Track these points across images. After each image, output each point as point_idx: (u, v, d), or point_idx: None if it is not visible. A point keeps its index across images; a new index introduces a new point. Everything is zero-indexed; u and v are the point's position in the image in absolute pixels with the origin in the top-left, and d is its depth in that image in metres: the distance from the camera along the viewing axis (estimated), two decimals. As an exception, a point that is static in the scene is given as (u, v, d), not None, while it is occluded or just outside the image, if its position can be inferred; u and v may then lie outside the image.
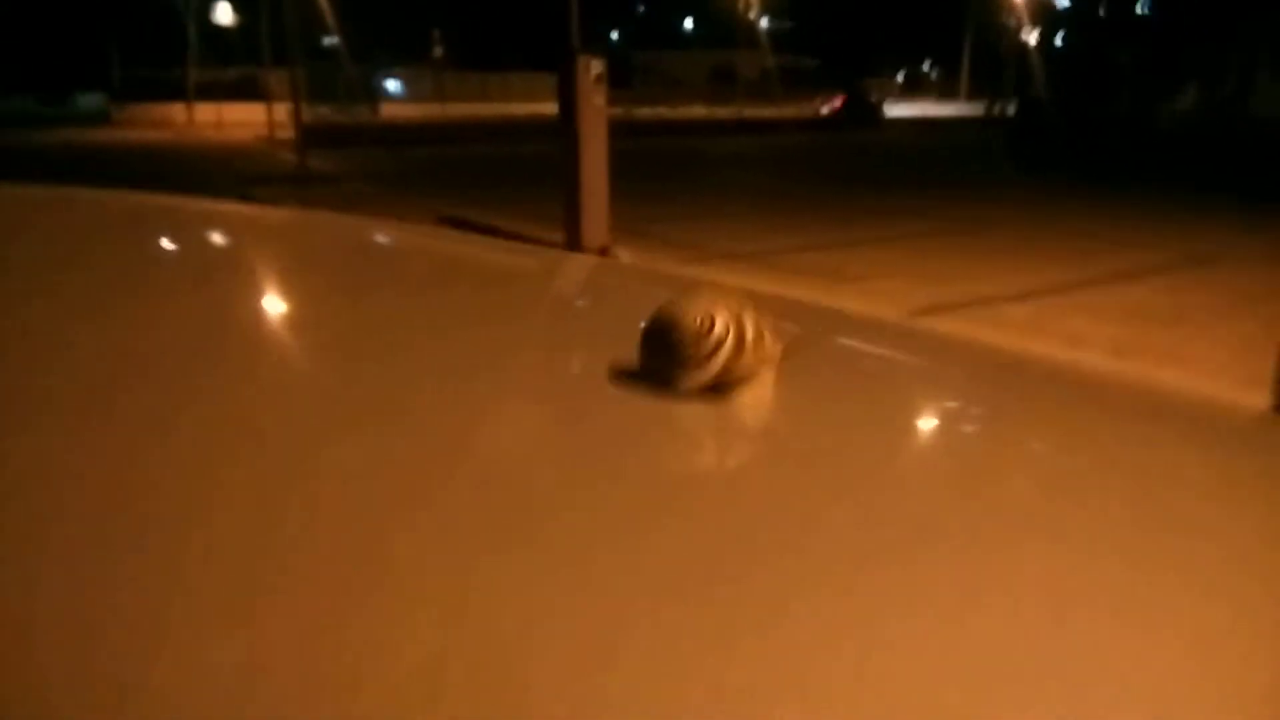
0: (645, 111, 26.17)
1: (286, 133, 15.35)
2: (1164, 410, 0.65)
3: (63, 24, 32.31)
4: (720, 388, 0.40)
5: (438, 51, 27.67)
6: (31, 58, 33.47)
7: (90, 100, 31.95)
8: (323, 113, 24.24)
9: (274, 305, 0.81)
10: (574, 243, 6.35)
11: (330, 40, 26.22)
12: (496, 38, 29.84)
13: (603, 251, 6.24)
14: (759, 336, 0.40)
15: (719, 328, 0.38)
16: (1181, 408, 0.67)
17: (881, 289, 5.65)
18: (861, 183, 12.41)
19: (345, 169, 13.13)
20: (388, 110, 27.57)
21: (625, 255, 6.34)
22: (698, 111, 29.46)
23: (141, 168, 14.46)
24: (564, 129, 6.29)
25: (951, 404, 0.61)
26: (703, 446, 0.40)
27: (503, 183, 11.32)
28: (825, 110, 31.96)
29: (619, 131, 7.08)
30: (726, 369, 0.39)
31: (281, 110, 17.00)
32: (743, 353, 0.39)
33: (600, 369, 0.45)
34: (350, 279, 0.94)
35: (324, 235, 1.23)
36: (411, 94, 30.62)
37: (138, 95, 28.55)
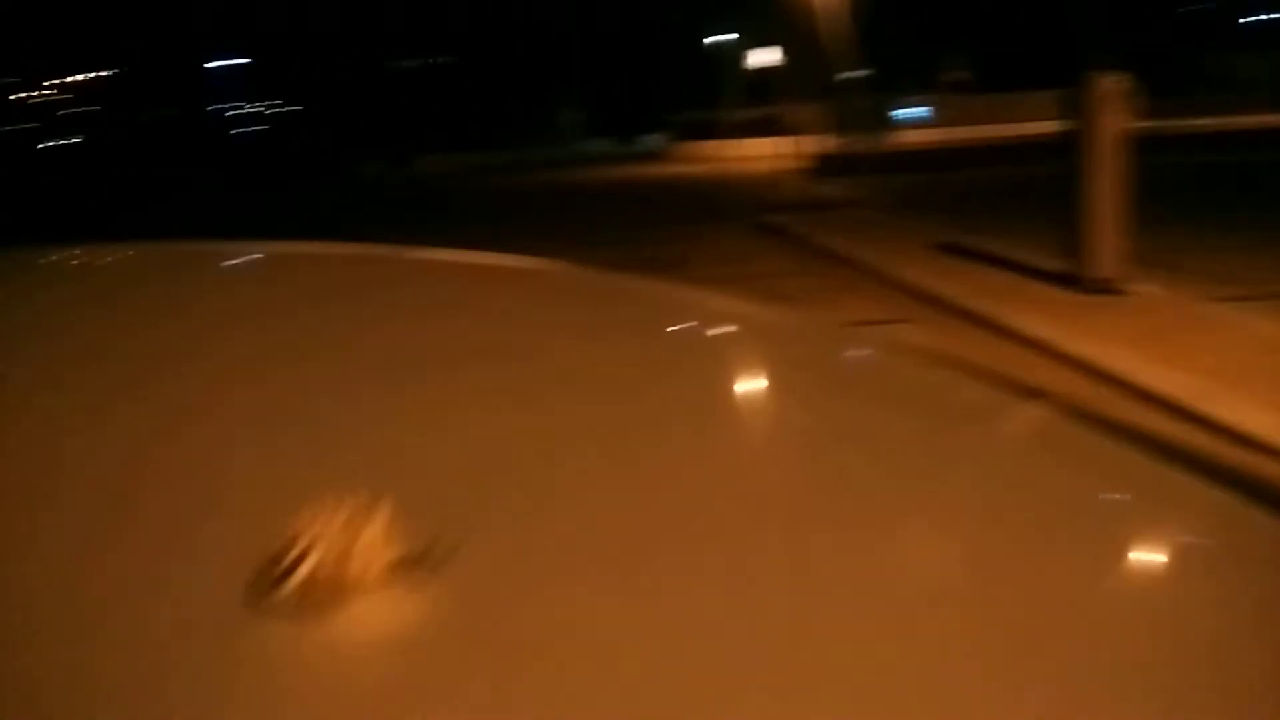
0: (1204, 121, 22.62)
1: (804, 164, 16.34)
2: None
3: (641, 78, 38.23)
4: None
5: (956, 76, 27.03)
6: (616, 106, 40.30)
7: (655, 140, 37.55)
8: (840, 143, 25.30)
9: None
10: (1077, 273, 5.87)
11: (853, 74, 27.25)
12: (1022, 58, 28.25)
13: (1107, 283, 5.67)
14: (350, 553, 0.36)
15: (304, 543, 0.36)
16: None
17: None
18: None
19: (854, 195, 13.59)
20: (903, 137, 27.74)
21: (1148, 288, 5.69)
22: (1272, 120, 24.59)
23: (669, 194, 16.59)
24: (1072, 150, 5.86)
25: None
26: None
27: (1010, 207, 10.77)
28: None
29: (1159, 146, 6.35)
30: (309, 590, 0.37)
31: (802, 143, 18.14)
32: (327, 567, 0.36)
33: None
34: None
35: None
36: (927, 120, 30.42)
37: (690, 135, 32.64)
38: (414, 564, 0.38)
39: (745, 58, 31.06)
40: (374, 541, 0.37)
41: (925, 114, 31.85)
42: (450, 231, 12.21)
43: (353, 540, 0.37)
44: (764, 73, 30.12)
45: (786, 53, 22.06)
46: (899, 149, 25.05)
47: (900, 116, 29.43)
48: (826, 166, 15.59)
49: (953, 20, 29.70)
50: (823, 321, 1.74)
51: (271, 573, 0.37)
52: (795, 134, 20.20)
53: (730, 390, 0.86)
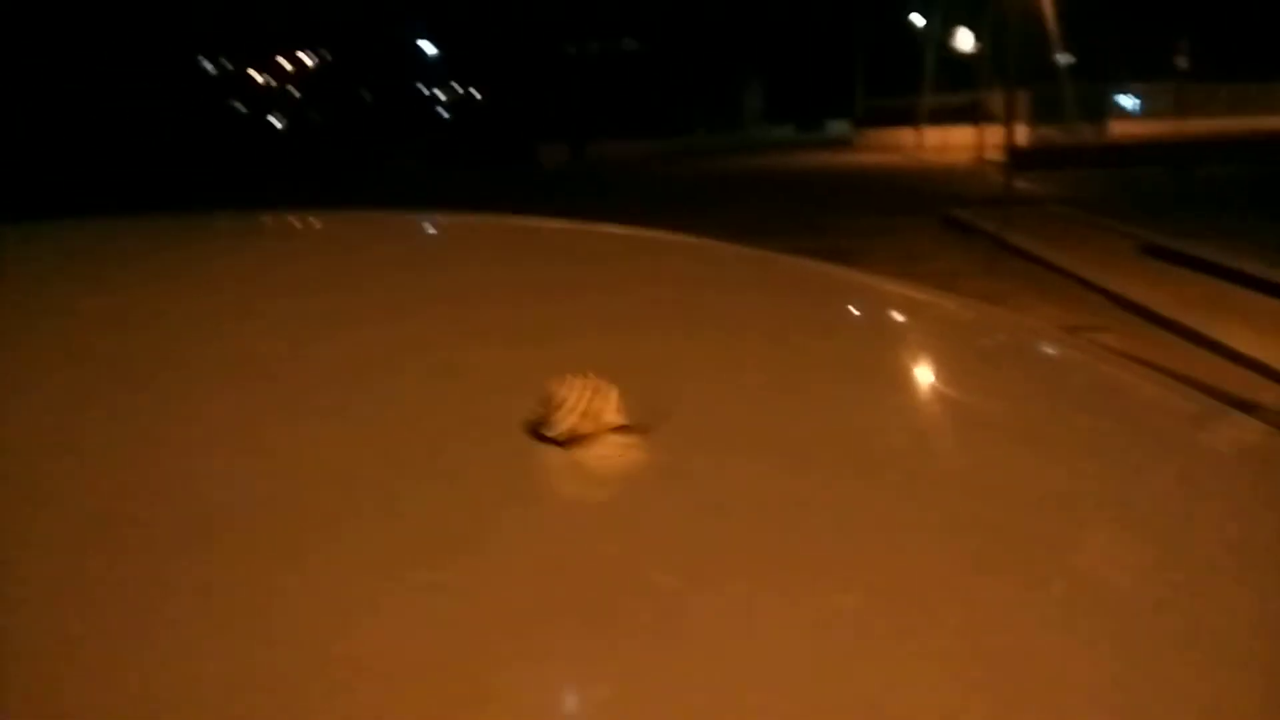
0: None
1: (1001, 155, 15.54)
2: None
3: (826, 61, 37.41)
4: (569, 443, 0.56)
5: (1181, 63, 24.82)
6: (800, 91, 39.66)
7: (838, 127, 36.66)
8: (1045, 133, 23.80)
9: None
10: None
11: (1066, 59, 25.52)
12: (1246, 45, 25.51)
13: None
14: (597, 413, 0.56)
15: (566, 403, 0.56)
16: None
17: None
18: None
19: (1053, 191, 12.82)
20: (1118, 128, 25.78)
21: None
22: None
23: (850, 184, 16.19)
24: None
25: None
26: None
27: (1230, 209, 9.86)
28: None
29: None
30: (572, 431, 0.56)
31: (999, 132, 17.23)
32: (583, 421, 0.56)
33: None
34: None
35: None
36: (1147, 110, 28.13)
37: (877, 121, 31.62)
38: (635, 427, 0.58)
39: (942, 40, 29.75)
40: (610, 406, 0.57)
41: (1136, 104, 29.50)
42: (625, 222, 12.43)
43: (597, 402, 0.57)
44: (962, 57, 28.75)
45: (988, 36, 21.04)
46: (1106, 141, 23.35)
47: (1109, 106, 27.42)
48: (1025, 158, 14.75)
49: (1170, 5, 27.24)
50: (1002, 314, 1.71)
51: (545, 416, 0.57)
52: (994, 123, 19.21)
53: (908, 381, 0.89)
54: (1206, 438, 0.80)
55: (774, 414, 0.68)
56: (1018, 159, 13.10)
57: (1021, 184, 12.56)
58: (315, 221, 1.51)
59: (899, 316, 1.14)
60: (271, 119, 38.10)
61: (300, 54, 39.16)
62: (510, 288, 1.05)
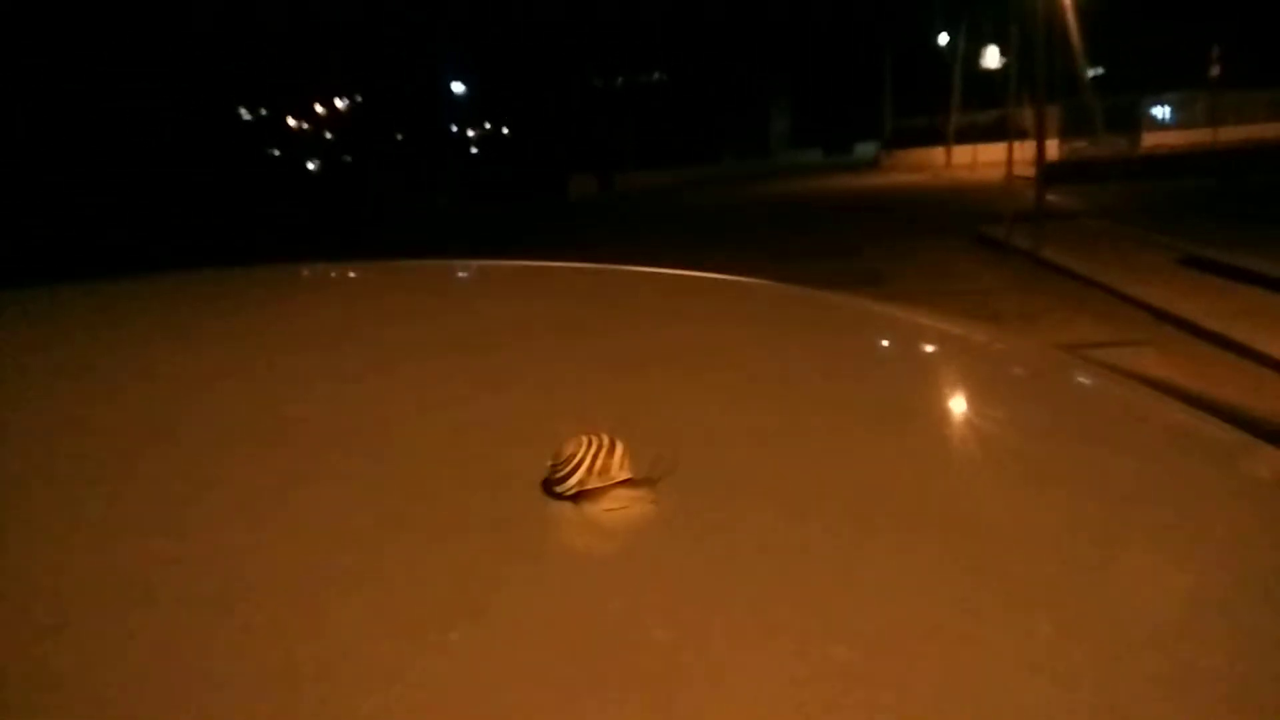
0: None
1: (1033, 171, 15.40)
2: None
3: (852, 84, 37.46)
4: (579, 498, 0.60)
5: (1214, 70, 24.50)
6: (823, 115, 39.70)
7: (866, 149, 36.64)
8: (1077, 147, 23.53)
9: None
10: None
11: (1095, 72, 25.33)
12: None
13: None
14: (605, 469, 0.59)
15: (575, 459, 0.59)
16: None
17: None
18: None
19: (1087, 205, 12.67)
20: (1151, 140, 25.47)
21: None
22: None
23: (882, 205, 16.11)
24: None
25: None
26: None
27: (1272, 218, 9.65)
28: None
29: None
30: (580, 486, 0.60)
31: (1030, 148, 17.08)
32: (591, 477, 0.59)
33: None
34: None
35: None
36: (1180, 120, 27.75)
37: (905, 142, 31.55)
38: (641, 481, 0.61)
39: (969, 58, 29.66)
40: (616, 462, 0.61)
41: (1168, 114, 29.12)
42: (652, 251, 12.44)
43: (604, 459, 0.60)
44: (990, 74, 28.62)
45: (1014, 52, 20.91)
46: (1139, 152, 23.05)
47: (1142, 117, 27.09)
48: (1057, 173, 14.59)
49: (1200, 10, 26.93)
50: (1035, 344, 1.69)
51: (556, 473, 0.60)
52: (1024, 138, 19.06)
53: (935, 411, 0.89)
54: (1223, 470, 0.78)
55: (781, 459, 0.70)
56: (1050, 174, 12.95)
57: (1054, 199, 12.41)
58: (332, 272, 1.55)
59: (915, 349, 1.13)
60: (307, 163, 38.96)
61: (335, 99, 40.09)
62: (524, 335, 1.10)
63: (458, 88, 38.65)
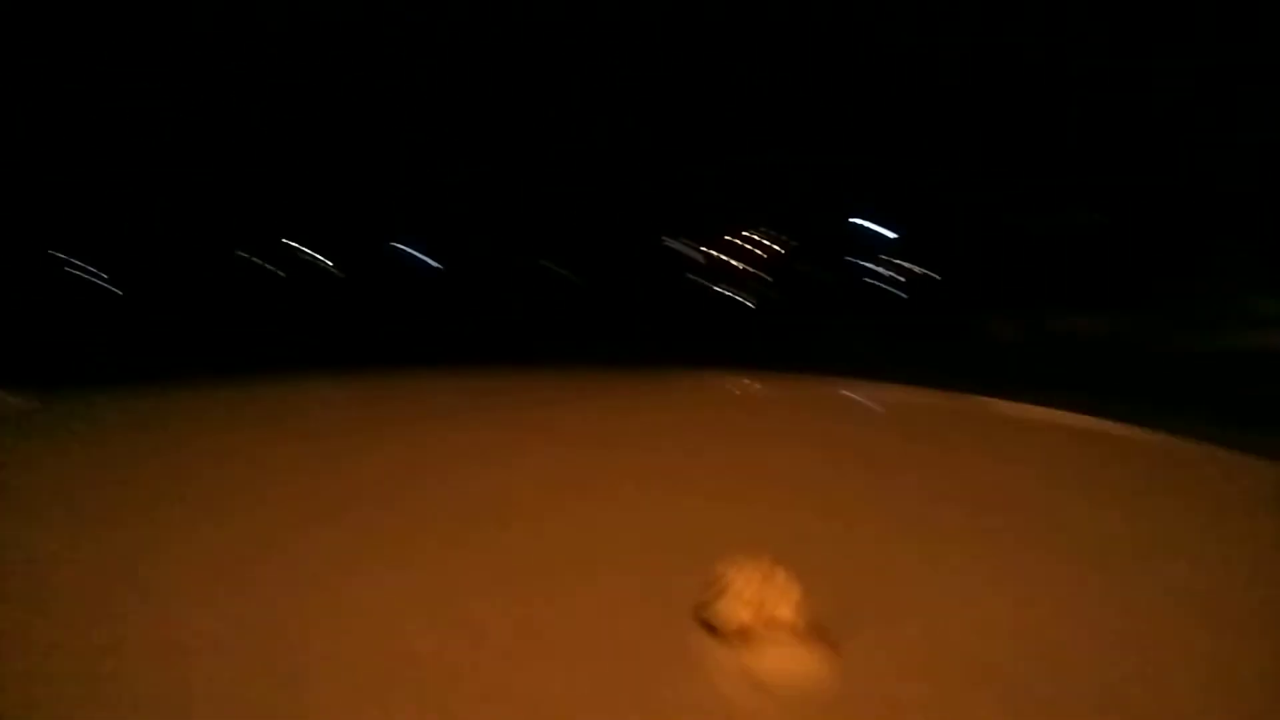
0: None
1: None
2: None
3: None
4: (736, 638, 0.64)
5: None
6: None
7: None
8: None
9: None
10: None
11: None
12: None
13: None
14: (770, 606, 0.60)
15: (732, 589, 0.65)
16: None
17: None
18: None
19: None
20: None
21: None
22: None
23: None
24: None
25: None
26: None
27: None
28: None
29: None
30: (739, 625, 0.63)
31: None
32: (753, 615, 0.65)
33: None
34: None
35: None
36: None
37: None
38: (814, 632, 0.72)
39: None
40: (773, 595, 0.79)
41: None
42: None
43: (760, 588, 0.79)
44: None
45: None
46: None
47: None
48: None
49: None
50: None
51: (707, 598, 0.71)
52: None
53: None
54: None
55: (989, 636, 0.70)
56: None
57: None
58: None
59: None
60: (725, 291, 42.24)
61: (751, 233, 43.19)
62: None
63: (883, 230, 39.60)
